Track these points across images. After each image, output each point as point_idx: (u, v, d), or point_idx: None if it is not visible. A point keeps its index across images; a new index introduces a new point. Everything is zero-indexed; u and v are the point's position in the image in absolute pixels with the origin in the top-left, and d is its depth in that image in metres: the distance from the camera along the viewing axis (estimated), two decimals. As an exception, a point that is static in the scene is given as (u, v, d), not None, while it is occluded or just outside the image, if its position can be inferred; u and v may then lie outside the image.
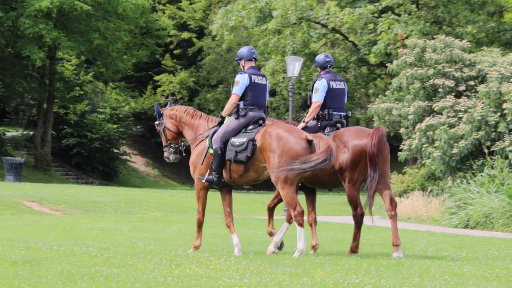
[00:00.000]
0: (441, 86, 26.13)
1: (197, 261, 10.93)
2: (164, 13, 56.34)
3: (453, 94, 25.93)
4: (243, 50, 12.60)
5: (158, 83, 56.06)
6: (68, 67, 49.89)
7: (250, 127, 12.20)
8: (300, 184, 12.28)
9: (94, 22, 42.46)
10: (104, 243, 13.50)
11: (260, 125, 12.24)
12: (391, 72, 28.88)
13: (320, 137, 11.80)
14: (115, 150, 50.76)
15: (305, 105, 52.64)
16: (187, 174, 58.03)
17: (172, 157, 13.15)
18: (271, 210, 13.19)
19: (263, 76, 12.52)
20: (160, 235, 16.62)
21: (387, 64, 29.58)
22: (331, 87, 12.85)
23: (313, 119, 12.90)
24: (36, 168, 45.58)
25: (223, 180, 12.28)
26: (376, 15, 36.37)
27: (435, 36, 28.62)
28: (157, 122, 13.28)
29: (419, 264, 11.14)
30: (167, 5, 56.74)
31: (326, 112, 12.82)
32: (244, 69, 12.53)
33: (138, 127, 58.22)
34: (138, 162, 57.52)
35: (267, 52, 38.67)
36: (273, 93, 50.74)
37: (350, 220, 13.41)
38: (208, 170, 12.37)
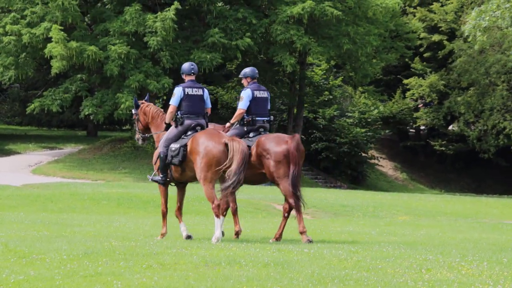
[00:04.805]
0: None
1: (448, 266, 10.65)
2: (414, 15, 55.83)
3: None
4: (185, 66, 14.60)
5: (407, 87, 55.63)
6: (318, 72, 50.66)
7: (189, 133, 14.18)
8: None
9: (344, 27, 42.73)
10: (353, 246, 13.47)
11: (197, 131, 14.18)
12: None
13: (236, 141, 13.57)
14: (363, 154, 50.89)
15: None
16: (436, 178, 57.17)
17: (140, 142, 15.50)
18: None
19: (200, 87, 14.40)
20: (409, 239, 16.39)
21: None
22: (255, 96, 14.84)
23: (240, 125, 14.86)
24: (286, 172, 46.54)
25: (168, 179, 14.33)
26: None
27: None
28: (133, 112, 15.47)
29: None
30: (417, 8, 56.22)
31: (250, 118, 14.83)
32: (185, 82, 14.46)
33: (387, 131, 58.05)
34: (386, 166, 57.36)
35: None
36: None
37: None
38: (156, 171, 14.53)
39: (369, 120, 51.40)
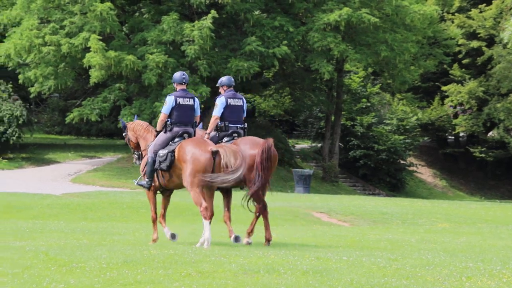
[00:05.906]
0: None
1: (489, 273, 10.54)
2: (453, 22, 55.47)
3: None
4: (176, 75, 15.04)
5: (446, 94, 55.29)
6: (355, 79, 50.54)
7: (176, 139, 14.60)
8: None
9: (381, 34, 42.57)
10: (392, 254, 13.39)
11: (184, 138, 14.61)
12: None
13: (228, 148, 13.93)
14: (402, 161, 50.65)
15: None
16: (476, 185, 56.69)
17: (137, 162, 15.84)
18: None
19: (191, 97, 14.84)
20: (449, 247, 16.27)
21: None
22: (229, 103, 15.23)
23: (214, 130, 15.29)
24: (324, 180, 46.49)
25: (153, 184, 14.78)
26: None
27: None
28: (124, 134, 16.06)
29: None
30: (456, 14, 55.85)
31: (223, 124, 15.21)
32: (176, 91, 14.91)
33: (425, 138, 57.73)
34: (425, 173, 57.01)
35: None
36: None
37: None
38: (142, 176, 15.00)
39: (407, 127, 51.16)
